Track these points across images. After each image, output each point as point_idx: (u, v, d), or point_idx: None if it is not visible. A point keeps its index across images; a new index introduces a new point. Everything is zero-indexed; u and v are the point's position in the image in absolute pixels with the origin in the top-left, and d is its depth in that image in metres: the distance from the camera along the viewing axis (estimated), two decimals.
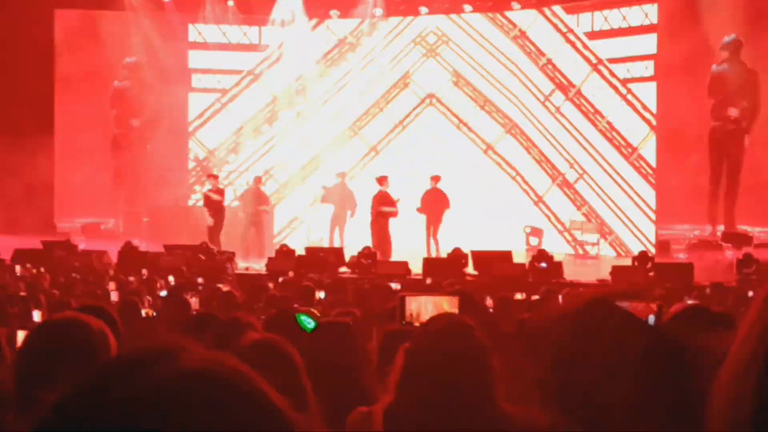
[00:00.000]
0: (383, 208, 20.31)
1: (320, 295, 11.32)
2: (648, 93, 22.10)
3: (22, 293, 10.01)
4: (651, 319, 4.15)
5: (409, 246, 20.41)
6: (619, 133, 22.87)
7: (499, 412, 3.06)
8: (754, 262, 15.17)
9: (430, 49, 25.28)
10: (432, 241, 21.29)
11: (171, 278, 14.28)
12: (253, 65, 25.43)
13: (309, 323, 5.68)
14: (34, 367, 3.00)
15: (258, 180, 22.32)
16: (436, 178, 21.55)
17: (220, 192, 21.41)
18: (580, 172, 23.45)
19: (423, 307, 5.15)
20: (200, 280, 12.73)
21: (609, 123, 23.01)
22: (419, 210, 21.29)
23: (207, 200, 21.13)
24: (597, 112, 23.19)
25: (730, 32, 20.32)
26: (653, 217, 21.87)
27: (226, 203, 21.73)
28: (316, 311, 8.10)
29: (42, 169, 22.94)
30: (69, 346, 3.00)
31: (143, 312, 9.17)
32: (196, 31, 25.00)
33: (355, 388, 4.65)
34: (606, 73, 23.02)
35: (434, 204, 21.27)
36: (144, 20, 23.92)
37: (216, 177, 21.94)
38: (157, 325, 7.92)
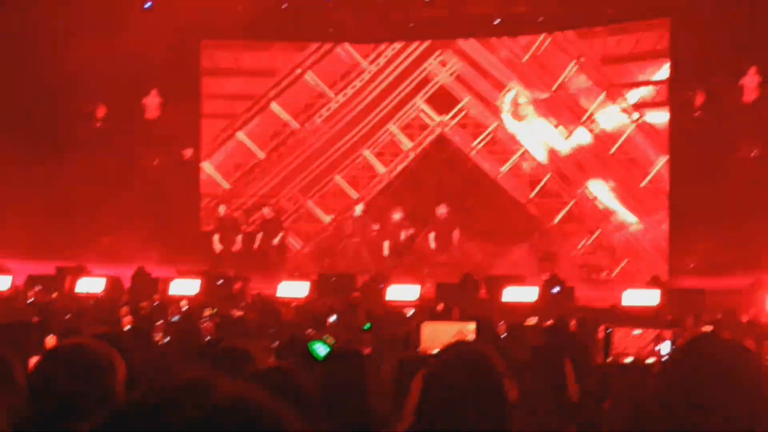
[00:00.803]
0: None
1: (332, 319, 11.32)
2: (661, 118, 22.11)
3: (36, 318, 10.02)
4: (667, 345, 4.14)
5: None
6: (630, 158, 22.90)
7: None
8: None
9: (442, 75, 25.31)
10: None
11: (183, 303, 14.31)
12: (265, 90, 25.49)
13: (321, 351, 5.68)
14: (44, 393, 3.03)
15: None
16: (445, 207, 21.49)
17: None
18: (592, 196, 23.44)
19: (438, 334, 5.13)
20: (207, 311, 12.64)
21: (621, 148, 23.03)
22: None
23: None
24: (609, 137, 23.22)
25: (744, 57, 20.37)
26: (666, 242, 21.82)
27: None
28: (330, 337, 8.10)
29: (58, 194, 22.99)
30: (76, 372, 3.03)
31: (155, 338, 9.18)
32: (207, 56, 25.08)
33: (369, 416, 4.64)
34: (619, 97, 23.08)
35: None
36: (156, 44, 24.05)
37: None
38: (169, 351, 7.92)
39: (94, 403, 2.87)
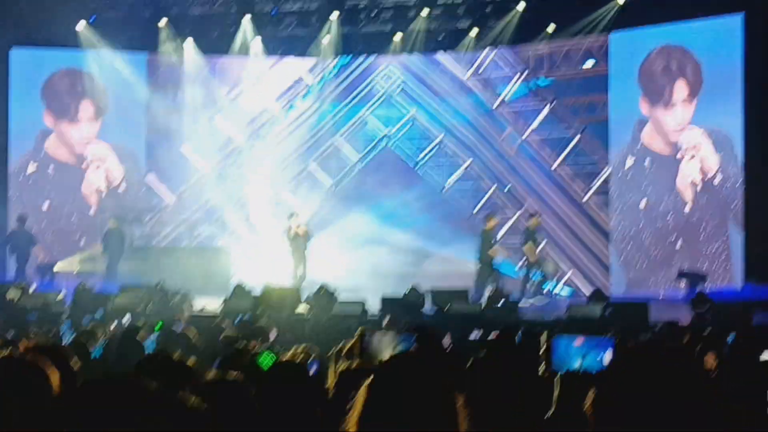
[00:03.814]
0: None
1: (277, 334, 11.25)
2: (603, 132, 22.28)
3: None
4: (609, 354, 4.17)
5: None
6: (568, 176, 23.07)
7: None
8: (708, 302, 15.20)
9: (387, 89, 25.40)
10: None
11: (127, 318, 14.16)
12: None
13: (267, 362, 5.65)
14: None
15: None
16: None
17: None
18: (536, 210, 23.58)
19: (382, 345, 5.11)
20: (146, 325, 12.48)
21: (562, 163, 23.20)
22: None
23: None
24: (554, 150, 23.39)
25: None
26: (608, 255, 21.97)
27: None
28: (272, 352, 8.05)
29: None
30: (8, 384, 3.00)
31: (96, 353, 9.06)
32: (152, 70, 24.84)
33: (312, 427, 4.61)
34: (560, 112, 23.27)
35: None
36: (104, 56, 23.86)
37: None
38: (110, 365, 7.83)
39: (27, 414, 2.83)
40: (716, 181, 20.12)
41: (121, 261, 21.99)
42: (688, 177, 20.63)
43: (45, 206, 23.90)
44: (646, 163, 21.22)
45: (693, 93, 20.56)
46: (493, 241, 18.99)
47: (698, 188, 20.43)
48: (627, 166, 21.50)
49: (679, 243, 20.69)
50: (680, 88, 20.71)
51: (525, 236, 20.72)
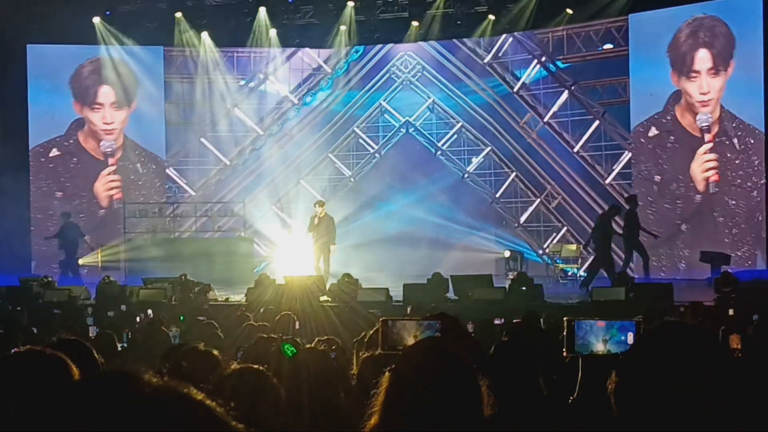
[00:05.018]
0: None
1: (300, 324, 11.26)
2: (624, 114, 22.17)
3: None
4: (631, 336, 4.17)
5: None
6: (590, 158, 22.95)
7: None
8: (732, 282, 15.16)
9: (405, 76, 25.34)
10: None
11: (150, 311, 14.20)
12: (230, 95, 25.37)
13: (291, 350, 5.65)
14: None
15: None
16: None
17: None
18: (558, 195, 23.49)
19: (405, 332, 5.10)
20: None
21: (583, 146, 23.10)
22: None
23: None
24: (572, 135, 23.29)
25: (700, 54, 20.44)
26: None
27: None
28: (297, 340, 8.06)
29: (18, 208, 22.82)
30: (26, 378, 3.00)
31: (121, 346, 9.09)
32: (169, 63, 24.91)
33: (335, 414, 4.62)
34: (580, 95, 23.16)
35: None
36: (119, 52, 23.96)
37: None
38: (135, 357, 7.86)
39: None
40: (736, 179, 19.89)
41: (144, 253, 22.05)
42: (704, 169, 20.36)
43: (58, 195, 24.07)
44: (672, 138, 20.98)
45: (721, 65, 20.16)
46: (609, 228, 18.74)
47: (715, 185, 20.20)
48: (651, 135, 21.27)
49: (684, 227, 20.55)
50: (704, 57, 20.34)
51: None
